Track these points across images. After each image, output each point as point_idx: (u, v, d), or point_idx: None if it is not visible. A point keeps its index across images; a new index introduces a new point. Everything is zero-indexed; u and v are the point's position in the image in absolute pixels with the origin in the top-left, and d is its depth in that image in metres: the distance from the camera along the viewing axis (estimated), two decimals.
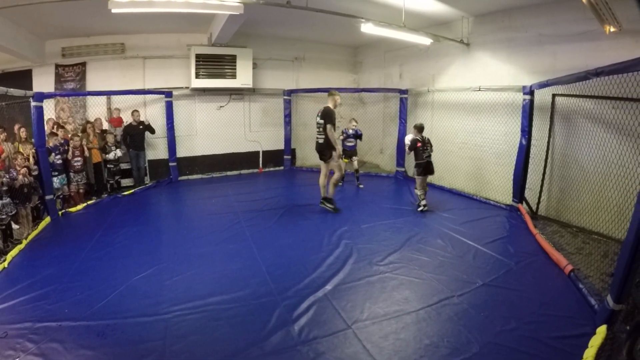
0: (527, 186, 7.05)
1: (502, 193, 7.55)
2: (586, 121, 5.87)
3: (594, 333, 3.39)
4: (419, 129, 7.16)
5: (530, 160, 6.97)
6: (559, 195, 6.64)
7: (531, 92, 6.74)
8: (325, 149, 7.04)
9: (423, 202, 7.19)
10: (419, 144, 7.01)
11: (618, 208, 5.01)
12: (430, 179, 7.44)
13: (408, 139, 7.30)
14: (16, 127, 7.02)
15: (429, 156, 7.12)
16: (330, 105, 7.04)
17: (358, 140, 9.27)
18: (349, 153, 9.24)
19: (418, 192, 7.25)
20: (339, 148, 7.32)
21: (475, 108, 8.05)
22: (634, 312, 3.24)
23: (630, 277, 3.29)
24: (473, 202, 7.81)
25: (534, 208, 6.94)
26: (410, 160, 9.88)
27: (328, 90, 11.12)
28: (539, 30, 6.82)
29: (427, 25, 8.62)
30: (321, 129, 6.94)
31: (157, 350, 3.25)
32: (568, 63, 6.18)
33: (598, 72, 4.43)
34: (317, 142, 7.16)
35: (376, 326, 3.62)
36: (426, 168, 7.09)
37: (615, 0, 4.85)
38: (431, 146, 7.19)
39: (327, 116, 6.89)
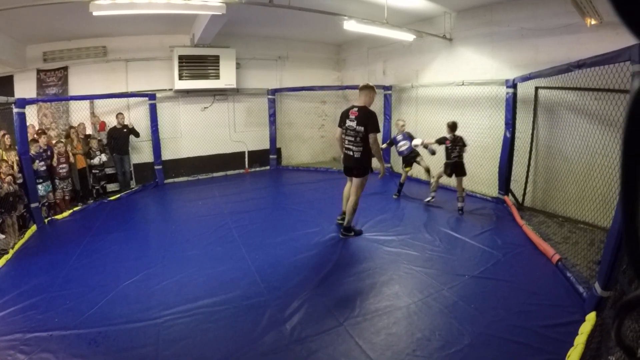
0: (512, 178, 7.13)
1: (488, 186, 7.63)
2: (569, 113, 5.96)
3: (584, 320, 3.45)
4: (451, 127, 6.69)
5: (515, 152, 7.05)
6: (545, 186, 6.74)
7: (514, 86, 6.82)
8: (360, 165, 5.44)
9: (432, 194, 7.20)
10: (448, 142, 6.66)
11: (603, 197, 5.09)
12: (415, 172, 7.37)
13: (418, 141, 7.11)
14: (0, 133, 6.91)
15: (459, 156, 6.67)
16: (366, 103, 5.40)
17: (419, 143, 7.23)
18: (408, 159, 7.79)
19: (433, 183, 7.17)
20: (383, 166, 5.69)
21: (459, 102, 8.10)
22: (622, 298, 3.30)
23: (617, 264, 3.35)
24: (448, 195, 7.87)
25: (520, 199, 7.03)
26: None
27: (312, 89, 11.32)
28: (520, 24, 6.89)
29: (410, 22, 8.67)
30: (358, 139, 5.29)
31: (150, 355, 3.22)
32: (550, 56, 6.26)
33: (580, 65, 4.49)
34: (347, 156, 5.50)
35: (368, 322, 3.64)
36: (454, 168, 6.72)
37: None
38: (464, 145, 6.69)
39: (370, 121, 5.23)
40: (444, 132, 6.71)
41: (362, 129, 5.22)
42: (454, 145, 6.63)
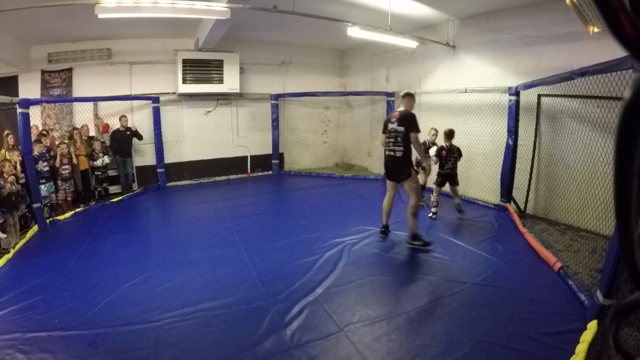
0: (514, 186, 7.12)
1: (490, 193, 7.62)
2: (572, 120, 5.96)
3: (585, 328, 3.43)
4: (447, 135, 6.62)
5: (517, 160, 7.04)
6: (547, 194, 6.72)
7: (517, 93, 6.82)
8: (403, 165, 5.57)
9: (433, 210, 6.91)
10: (444, 153, 6.61)
11: (605, 205, 5.08)
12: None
13: (433, 150, 6.89)
14: (4, 133, 6.94)
15: (453, 168, 6.71)
16: (408, 108, 5.66)
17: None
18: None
19: (432, 199, 6.91)
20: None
21: (461, 110, 8.11)
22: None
23: (619, 272, 3.34)
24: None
25: (522, 207, 7.01)
26: None
27: (315, 94, 11.36)
28: (523, 32, 6.91)
29: (413, 29, 8.70)
30: (399, 139, 5.49)
31: (149, 358, 3.21)
32: (553, 64, 6.27)
33: (582, 72, 4.50)
34: (390, 157, 5.65)
35: (368, 328, 3.62)
36: (446, 179, 6.75)
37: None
38: (460, 155, 6.73)
39: (410, 122, 5.45)
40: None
41: (402, 129, 5.44)
42: (449, 156, 6.59)
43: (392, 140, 5.56)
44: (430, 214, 6.88)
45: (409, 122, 5.43)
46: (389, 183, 5.90)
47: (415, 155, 5.85)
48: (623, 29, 0.47)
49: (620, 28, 0.47)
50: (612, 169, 0.51)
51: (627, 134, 0.49)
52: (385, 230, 6.02)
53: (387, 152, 5.72)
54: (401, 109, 5.68)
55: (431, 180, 7.28)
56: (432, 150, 6.93)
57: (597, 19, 5.31)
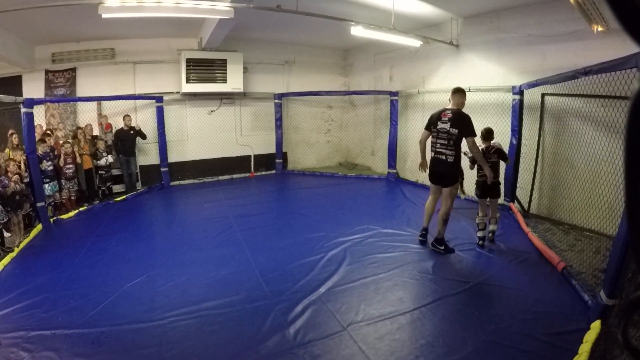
0: (518, 185, 7.10)
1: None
2: (576, 120, 5.93)
3: (588, 328, 3.42)
4: (484, 136, 5.57)
5: (521, 159, 7.02)
6: (550, 194, 6.70)
7: (521, 92, 6.81)
8: (452, 171, 5.10)
9: (479, 234, 5.59)
10: None
11: (609, 204, 5.05)
12: (420, 178, 6.67)
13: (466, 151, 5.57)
14: (8, 133, 6.97)
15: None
16: (459, 106, 5.12)
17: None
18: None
19: (477, 219, 5.64)
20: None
21: (465, 108, 7.97)
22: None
23: (623, 272, 3.33)
24: (464, 202, 7.84)
25: (526, 207, 6.99)
26: (401, 160, 9.97)
27: (318, 94, 11.33)
28: (527, 31, 6.89)
29: (417, 28, 8.68)
30: (451, 142, 4.97)
31: (153, 356, 3.23)
32: (557, 63, 6.25)
33: (586, 71, 4.48)
34: (439, 160, 5.12)
35: (371, 327, 3.62)
36: (484, 189, 5.50)
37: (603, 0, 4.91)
38: (503, 158, 5.58)
39: (466, 124, 4.93)
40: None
41: (455, 131, 4.97)
42: (487, 159, 5.35)
43: (443, 142, 5.05)
44: (479, 241, 5.57)
45: (465, 124, 4.95)
46: (433, 186, 5.40)
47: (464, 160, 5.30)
48: (633, 18, 0.47)
49: (630, 18, 0.47)
50: (623, 154, 0.51)
51: (638, 122, 0.49)
52: (424, 234, 5.60)
53: (434, 155, 5.19)
54: (451, 106, 5.14)
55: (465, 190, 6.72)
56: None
57: (601, 18, 5.30)
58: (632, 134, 0.50)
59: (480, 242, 5.56)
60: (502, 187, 5.83)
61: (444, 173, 5.14)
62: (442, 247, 5.28)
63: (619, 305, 3.42)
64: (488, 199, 5.62)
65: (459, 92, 5.15)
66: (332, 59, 12.64)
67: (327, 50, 12.32)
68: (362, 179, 10.56)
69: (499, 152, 5.52)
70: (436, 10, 7.65)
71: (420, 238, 5.67)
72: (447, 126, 5.00)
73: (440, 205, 5.35)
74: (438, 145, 5.13)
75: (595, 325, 3.39)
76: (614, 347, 3.02)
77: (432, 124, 5.23)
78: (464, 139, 5.01)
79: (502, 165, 5.90)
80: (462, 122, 4.95)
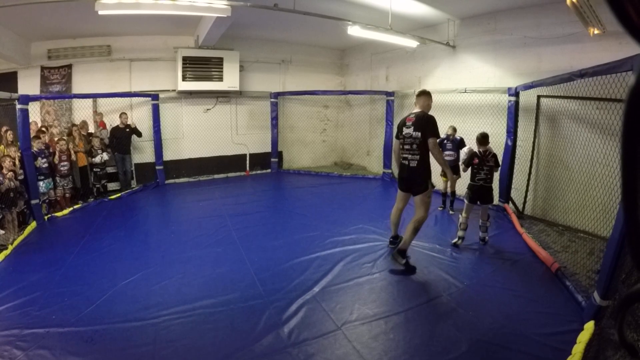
0: (513, 186, 7.13)
1: None
2: (571, 122, 5.97)
3: (582, 329, 3.44)
4: (480, 140, 5.51)
5: (516, 160, 7.06)
6: (545, 195, 6.74)
7: (516, 94, 6.84)
8: (419, 177, 4.80)
9: (459, 233, 5.61)
10: (476, 160, 5.47)
11: (603, 206, 5.09)
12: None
13: (464, 151, 5.81)
14: (2, 129, 6.92)
15: (486, 180, 5.46)
16: (424, 109, 4.89)
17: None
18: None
19: (461, 218, 5.64)
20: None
21: (461, 110, 8.11)
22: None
23: (616, 273, 3.35)
24: (459, 203, 7.85)
25: (520, 208, 7.02)
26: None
27: (314, 93, 11.34)
28: (524, 33, 6.92)
29: (414, 28, 8.70)
30: (415, 146, 4.76)
31: (147, 355, 3.21)
32: (553, 65, 6.29)
33: (582, 74, 4.51)
34: (404, 166, 4.93)
35: (366, 327, 3.63)
36: (477, 193, 5.51)
37: (600, 3, 4.93)
38: (496, 165, 5.53)
39: (428, 126, 4.70)
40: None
41: (418, 134, 4.70)
42: (482, 164, 5.43)
43: (407, 147, 4.84)
44: (456, 239, 5.62)
45: (427, 126, 4.69)
46: (400, 194, 5.26)
47: (434, 164, 4.93)
48: (630, 15, 0.47)
49: (627, 15, 0.47)
50: (619, 151, 0.52)
51: (633, 117, 0.49)
52: (394, 241, 5.45)
53: (400, 160, 5.03)
54: (416, 110, 4.92)
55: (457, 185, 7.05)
56: (463, 152, 5.85)
57: (598, 21, 5.32)
58: (628, 127, 0.50)
59: (459, 241, 5.57)
60: (494, 193, 5.77)
61: (410, 179, 4.90)
62: (403, 262, 4.78)
63: (614, 305, 3.44)
64: (478, 203, 5.58)
65: (423, 95, 4.96)
66: (329, 59, 12.64)
67: (323, 49, 12.32)
68: (358, 178, 10.58)
69: (494, 157, 5.50)
70: (433, 11, 7.67)
71: (390, 246, 5.50)
72: (410, 130, 4.79)
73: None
74: (404, 152, 4.90)
75: (589, 326, 3.41)
76: (608, 347, 3.04)
77: (400, 131, 5.01)
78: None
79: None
80: (424, 124, 4.71)
